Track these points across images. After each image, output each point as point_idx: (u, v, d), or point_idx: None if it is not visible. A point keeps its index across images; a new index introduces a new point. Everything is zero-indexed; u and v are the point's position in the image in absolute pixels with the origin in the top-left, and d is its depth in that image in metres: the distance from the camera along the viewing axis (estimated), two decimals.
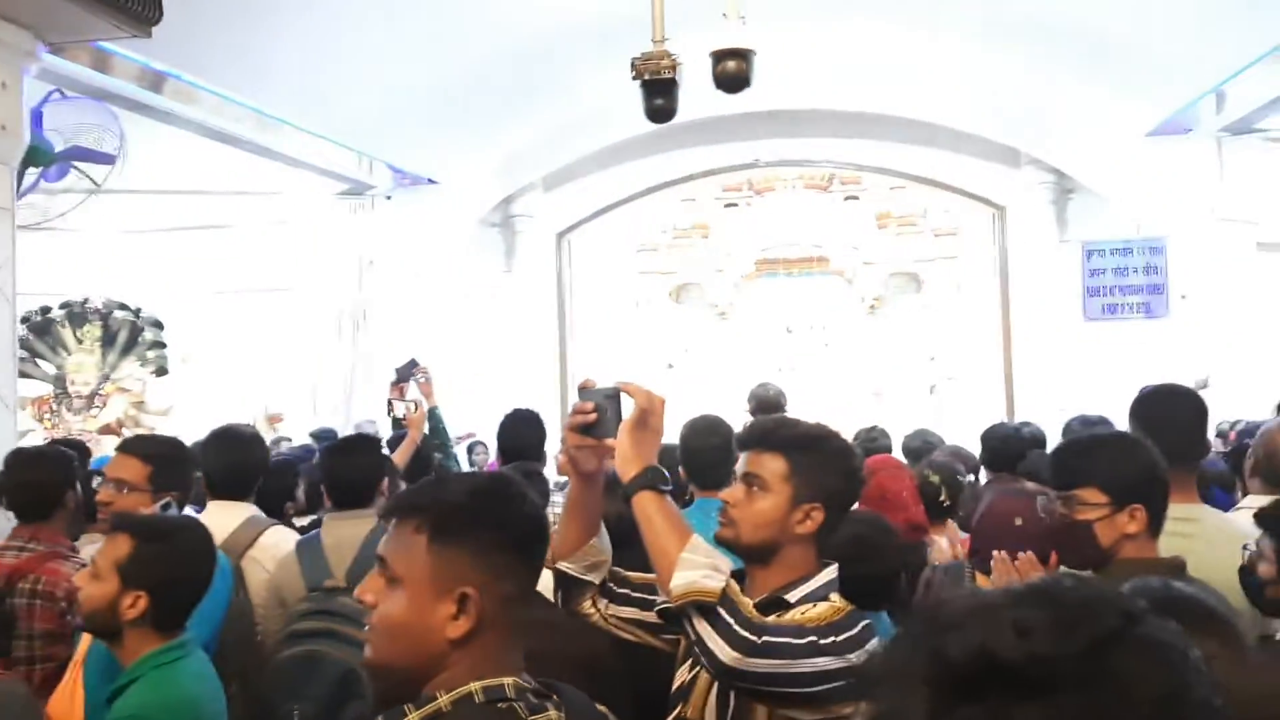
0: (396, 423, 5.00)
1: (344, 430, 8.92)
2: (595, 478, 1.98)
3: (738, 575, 1.95)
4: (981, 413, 10.32)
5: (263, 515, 3.45)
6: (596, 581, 2.02)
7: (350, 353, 9.32)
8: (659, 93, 4.11)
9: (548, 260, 9.44)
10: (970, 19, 7.26)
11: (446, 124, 7.98)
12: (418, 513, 1.45)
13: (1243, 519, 2.74)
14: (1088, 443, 2.47)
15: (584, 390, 1.96)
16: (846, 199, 13.27)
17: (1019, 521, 2.91)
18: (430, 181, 8.90)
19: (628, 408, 1.91)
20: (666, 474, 1.90)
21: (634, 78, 4.09)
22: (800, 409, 11.11)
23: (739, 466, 2.02)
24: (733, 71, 4.03)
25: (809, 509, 1.94)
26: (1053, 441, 5.89)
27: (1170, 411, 2.76)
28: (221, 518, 3.31)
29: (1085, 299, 8.57)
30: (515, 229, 9.20)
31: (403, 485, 4.33)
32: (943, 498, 3.90)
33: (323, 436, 7.66)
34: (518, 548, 1.48)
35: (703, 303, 13.23)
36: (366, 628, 1.49)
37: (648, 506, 1.86)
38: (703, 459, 3.42)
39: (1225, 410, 7.77)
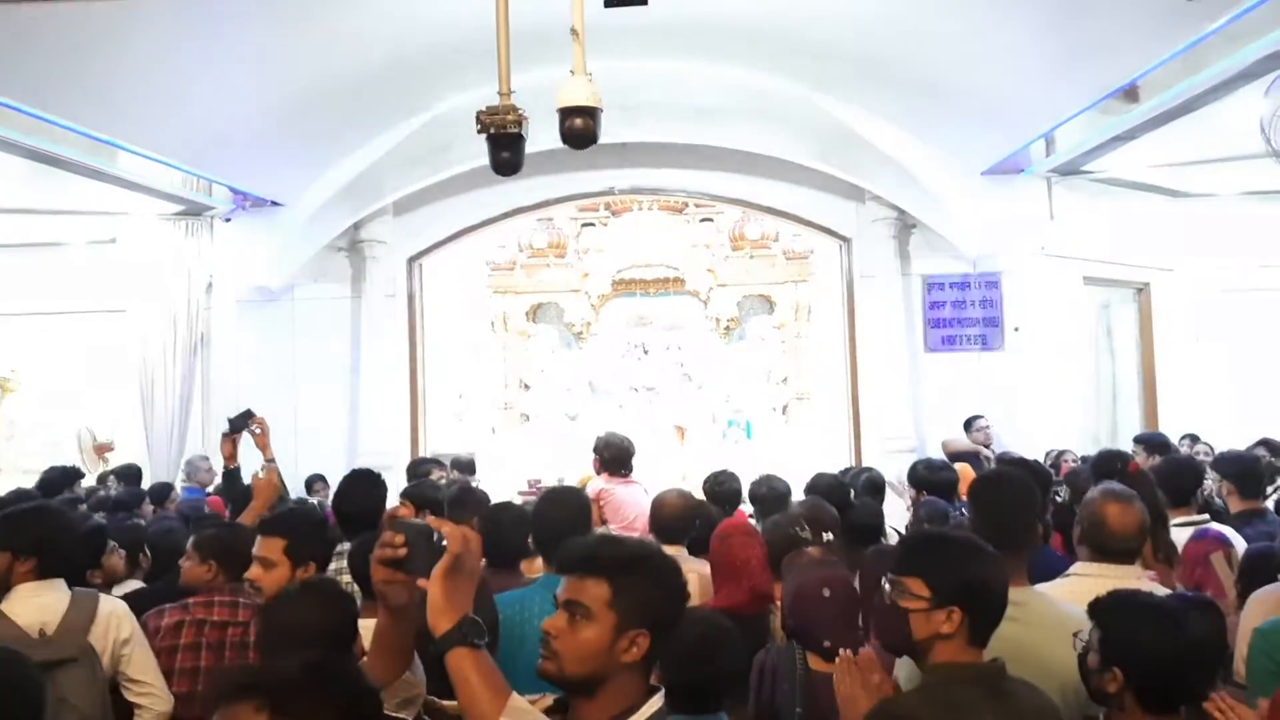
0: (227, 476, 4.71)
1: (176, 463, 8.49)
2: (406, 611, 1.85)
3: (562, 704, 1.87)
4: (831, 437, 10.59)
5: (79, 589, 3.23)
6: (410, 718, 1.89)
7: (186, 379, 8.85)
8: (505, 146, 3.99)
9: (398, 285, 9.18)
10: (810, 65, 7.41)
11: (290, 146, 7.66)
12: (255, 694, 1.39)
13: (1071, 595, 2.82)
14: (932, 538, 2.52)
15: (395, 521, 1.84)
16: (701, 220, 13.41)
17: (827, 592, 2.96)
18: (274, 204, 8.54)
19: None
20: (482, 625, 1.78)
21: (479, 131, 3.96)
22: (654, 438, 11.15)
23: (559, 593, 1.89)
24: (579, 129, 3.93)
25: (634, 635, 1.84)
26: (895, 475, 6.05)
27: (1000, 497, 2.83)
28: (42, 600, 3.07)
29: (926, 330, 8.87)
30: (364, 254, 8.91)
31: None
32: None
33: (124, 475, 7.24)
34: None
35: (559, 322, 13.14)
36: None
37: (463, 665, 1.74)
38: (554, 532, 3.23)
39: (1054, 438, 8.16)
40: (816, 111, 7.99)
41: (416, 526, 1.80)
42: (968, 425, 8.27)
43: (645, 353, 13.08)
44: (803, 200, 9.08)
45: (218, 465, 5.92)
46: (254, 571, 3.06)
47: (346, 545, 3.61)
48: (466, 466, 7.43)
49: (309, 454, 8.16)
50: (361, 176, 8.35)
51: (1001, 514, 2.77)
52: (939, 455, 7.19)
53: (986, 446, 8.01)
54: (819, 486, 4.70)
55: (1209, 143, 7.95)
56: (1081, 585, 2.89)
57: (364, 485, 3.92)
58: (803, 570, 3.11)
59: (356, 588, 3.07)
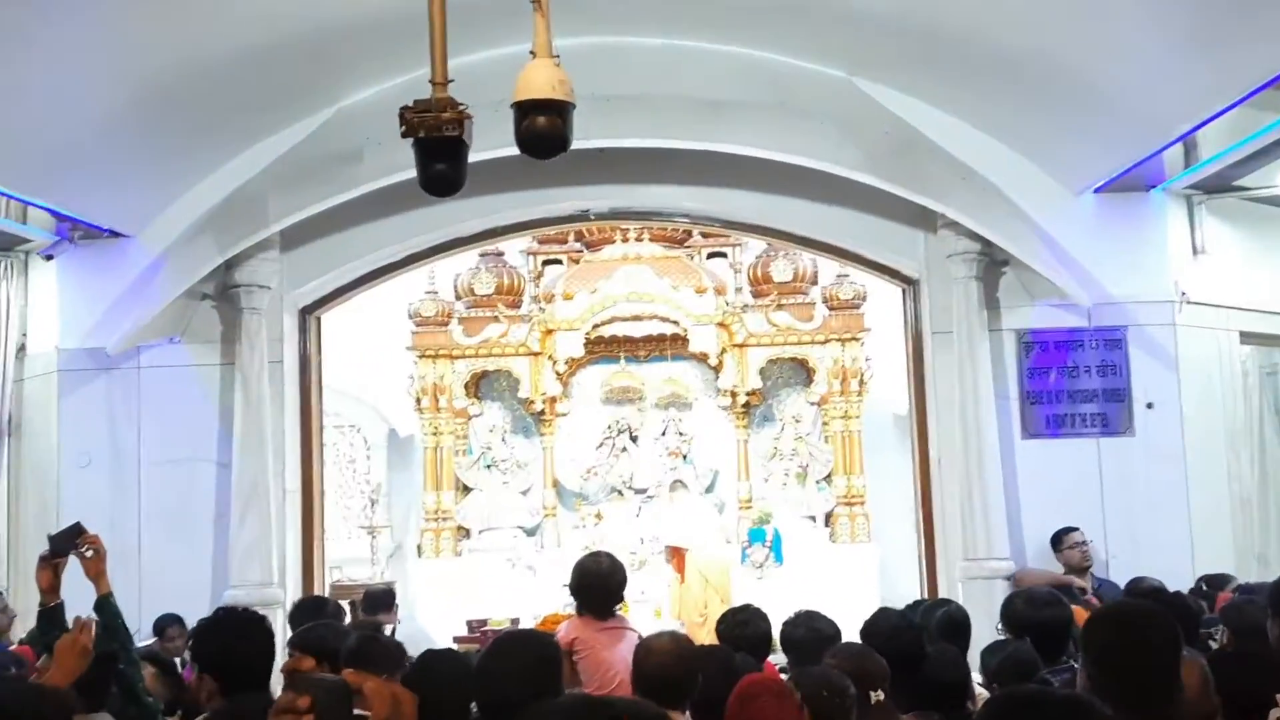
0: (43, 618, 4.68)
1: None
2: None
3: None
4: (893, 558, 10.59)
5: None
6: None
7: None
8: (440, 156, 4.03)
9: (287, 347, 9.21)
10: (855, 42, 7.53)
11: (138, 156, 7.74)
12: None
13: None
14: (1025, 700, 2.53)
15: (298, 677, 1.89)
16: (710, 256, 13.55)
17: None
18: (113, 234, 8.60)
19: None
20: None
21: (404, 135, 4.03)
22: (649, 572, 11.15)
23: None
24: (543, 129, 3.94)
25: None
26: (979, 609, 6.05)
27: (1124, 642, 2.86)
28: None
29: (1025, 407, 8.90)
30: (240, 304, 8.93)
31: None
32: None
33: None
34: None
35: (511, 398, 13.18)
36: None
37: None
38: (504, 695, 3.18)
39: (1204, 559, 8.16)
40: (865, 105, 8.11)
41: (326, 684, 1.85)
42: (1055, 542, 8.26)
43: (632, 440, 13.13)
44: (850, 227, 9.16)
45: (29, 602, 5.85)
46: None
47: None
48: (381, 602, 7.42)
49: (159, 586, 8.11)
50: (235, 198, 8.42)
51: (1127, 664, 2.80)
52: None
53: (1084, 571, 7.99)
54: (878, 630, 4.69)
55: None
56: None
57: (236, 630, 3.87)
58: None
59: None
